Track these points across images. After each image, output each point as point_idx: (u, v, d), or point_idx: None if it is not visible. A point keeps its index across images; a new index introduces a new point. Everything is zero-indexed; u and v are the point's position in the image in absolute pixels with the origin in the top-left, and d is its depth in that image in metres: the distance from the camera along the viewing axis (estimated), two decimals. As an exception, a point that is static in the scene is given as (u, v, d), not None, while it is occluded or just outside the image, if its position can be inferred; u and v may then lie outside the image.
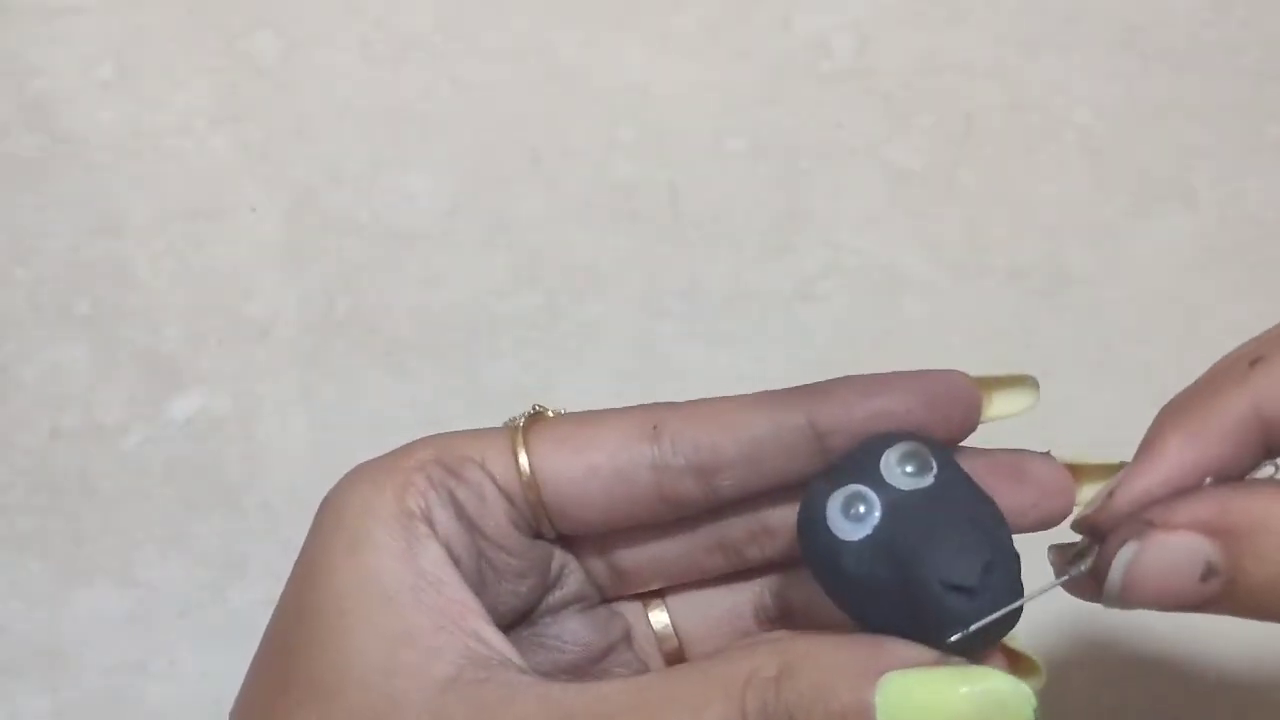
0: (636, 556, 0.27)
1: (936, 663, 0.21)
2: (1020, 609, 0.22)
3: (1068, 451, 0.26)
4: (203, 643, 0.39)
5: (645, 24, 0.48)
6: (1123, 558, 0.22)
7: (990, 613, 0.22)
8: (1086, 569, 0.23)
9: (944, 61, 0.47)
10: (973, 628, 0.22)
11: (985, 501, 0.23)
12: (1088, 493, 0.25)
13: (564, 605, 0.27)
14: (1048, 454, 0.25)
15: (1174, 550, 0.22)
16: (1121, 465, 0.25)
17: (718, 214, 0.44)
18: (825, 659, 0.21)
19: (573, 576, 0.27)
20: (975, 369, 0.29)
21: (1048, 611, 0.37)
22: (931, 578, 0.22)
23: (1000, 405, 0.25)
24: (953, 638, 0.22)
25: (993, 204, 0.44)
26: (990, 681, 0.21)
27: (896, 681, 0.21)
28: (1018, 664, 0.24)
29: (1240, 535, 0.21)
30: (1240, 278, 0.43)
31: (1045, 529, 0.25)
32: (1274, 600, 0.22)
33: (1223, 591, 0.22)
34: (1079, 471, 0.25)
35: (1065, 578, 0.24)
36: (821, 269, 0.43)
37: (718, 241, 0.44)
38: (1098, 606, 0.24)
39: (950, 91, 0.46)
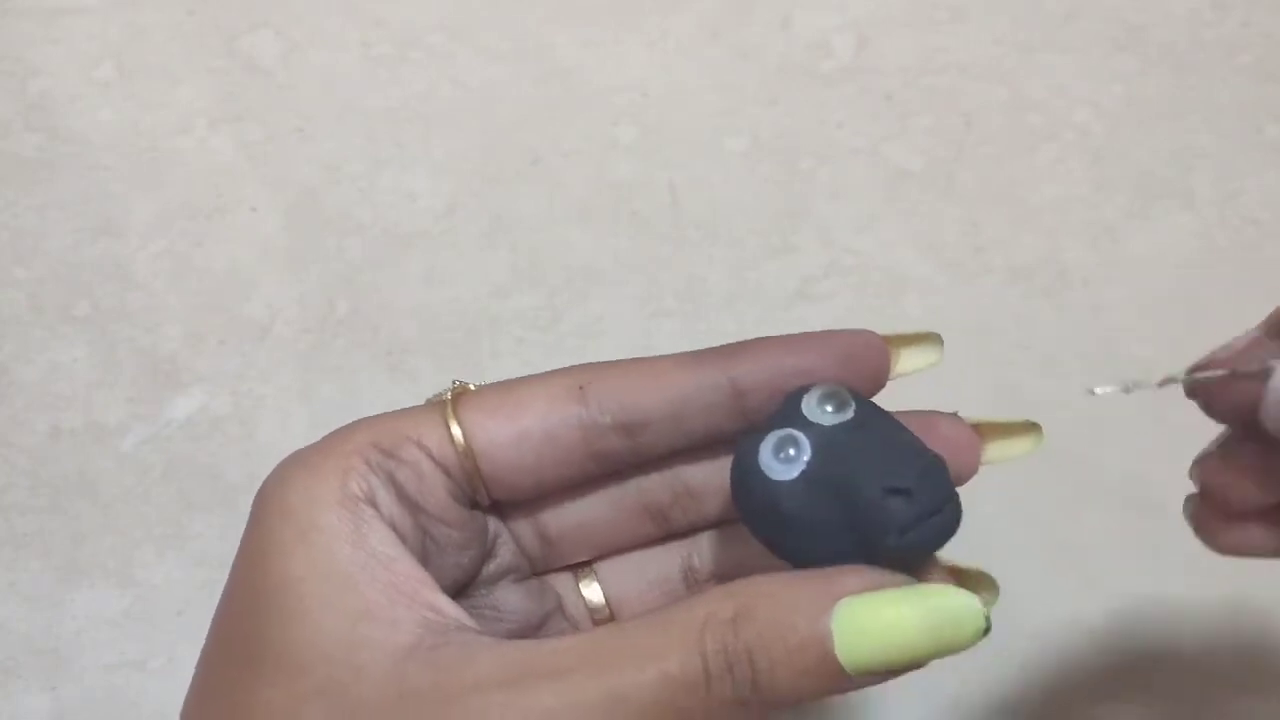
0: (565, 523, 0.27)
1: (888, 585, 0.21)
2: (960, 510, 0.23)
3: (973, 413, 0.26)
4: (201, 641, 0.39)
5: (645, 24, 0.48)
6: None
7: (930, 515, 0.22)
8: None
9: (944, 61, 0.47)
10: (920, 527, 0.22)
11: (903, 427, 0.24)
12: (994, 451, 0.26)
13: (499, 576, 0.27)
14: (955, 414, 0.26)
15: None
16: (1026, 423, 0.26)
17: (718, 214, 0.44)
18: (780, 596, 0.21)
19: (506, 547, 0.27)
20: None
21: (1048, 608, 0.37)
22: (870, 488, 0.22)
23: (908, 361, 0.26)
24: (900, 538, 0.22)
25: (993, 204, 0.44)
26: (941, 597, 0.21)
27: (850, 608, 0.21)
28: (967, 582, 0.25)
29: None
30: (1240, 278, 0.43)
31: (956, 485, 0.26)
32: None
33: None
34: (984, 430, 0.26)
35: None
36: (821, 269, 0.43)
37: (718, 241, 0.44)
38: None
39: (950, 91, 0.46)
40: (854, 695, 0.36)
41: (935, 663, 0.36)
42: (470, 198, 0.45)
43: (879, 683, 0.21)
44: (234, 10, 0.48)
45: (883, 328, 0.26)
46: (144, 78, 0.47)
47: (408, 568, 0.23)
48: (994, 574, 0.26)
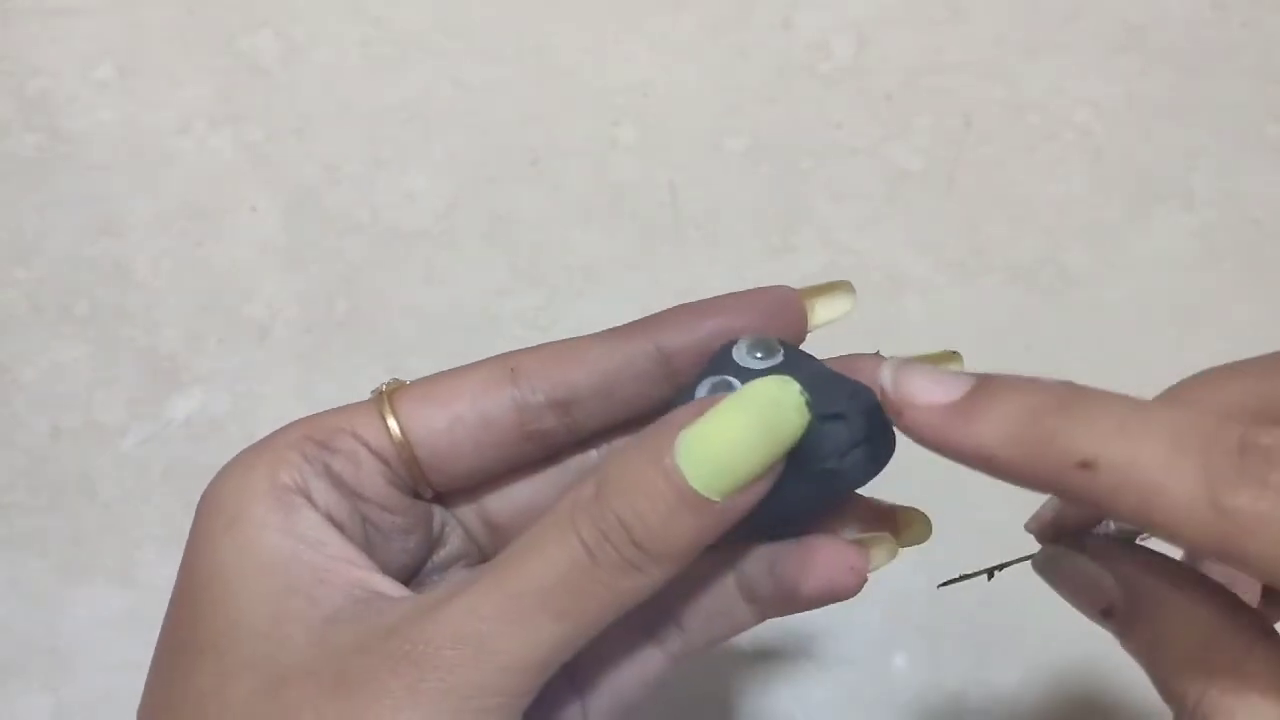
0: (509, 508, 0.28)
1: (713, 404, 0.22)
2: (894, 436, 0.23)
3: (895, 353, 0.27)
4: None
5: (645, 24, 0.48)
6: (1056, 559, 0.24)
7: (865, 439, 0.23)
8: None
9: (944, 61, 0.47)
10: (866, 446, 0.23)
11: (830, 368, 0.25)
12: None
13: (451, 562, 0.28)
14: (877, 354, 0.26)
15: (1091, 573, 0.24)
16: (947, 353, 0.26)
17: (718, 214, 0.44)
18: (630, 458, 0.22)
19: (454, 534, 0.28)
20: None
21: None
22: None
23: (823, 312, 0.27)
24: (841, 460, 0.23)
25: (993, 204, 0.44)
26: (759, 388, 0.22)
27: (689, 438, 0.22)
28: (901, 518, 0.25)
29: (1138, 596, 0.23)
30: (1240, 278, 0.43)
31: None
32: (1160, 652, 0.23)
33: (1117, 629, 0.23)
34: None
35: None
36: (821, 269, 0.43)
37: (718, 241, 0.44)
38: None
39: (950, 91, 0.46)
40: (854, 692, 0.36)
41: (937, 662, 0.36)
42: (470, 198, 0.45)
43: (750, 504, 0.22)
44: (234, 10, 0.48)
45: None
46: (144, 78, 0.47)
47: (339, 550, 0.24)
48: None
